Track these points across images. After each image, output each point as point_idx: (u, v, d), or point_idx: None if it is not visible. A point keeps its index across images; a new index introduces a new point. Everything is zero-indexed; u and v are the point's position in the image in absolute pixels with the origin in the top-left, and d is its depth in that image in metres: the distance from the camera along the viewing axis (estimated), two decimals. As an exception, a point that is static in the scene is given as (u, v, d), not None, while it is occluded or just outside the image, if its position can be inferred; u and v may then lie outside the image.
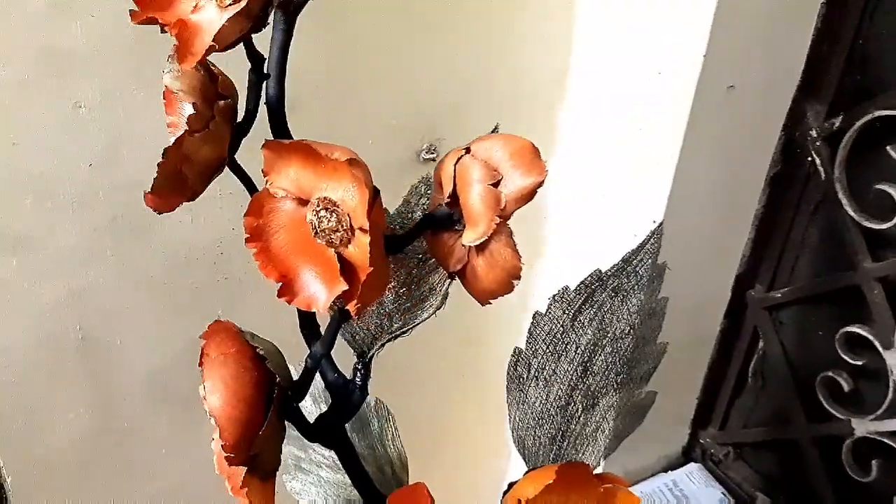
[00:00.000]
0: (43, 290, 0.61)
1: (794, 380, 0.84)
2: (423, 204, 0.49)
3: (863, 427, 0.76)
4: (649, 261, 0.54)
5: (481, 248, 0.36)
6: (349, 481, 0.55)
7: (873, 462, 0.76)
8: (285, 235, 0.37)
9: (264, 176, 0.36)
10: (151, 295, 0.64)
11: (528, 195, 0.35)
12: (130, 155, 0.60)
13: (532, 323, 0.52)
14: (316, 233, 0.35)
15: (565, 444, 0.51)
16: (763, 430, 0.89)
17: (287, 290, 0.37)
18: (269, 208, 0.36)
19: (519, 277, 0.36)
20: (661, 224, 0.55)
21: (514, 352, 0.52)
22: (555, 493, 0.46)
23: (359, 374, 0.46)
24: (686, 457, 0.99)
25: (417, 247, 0.48)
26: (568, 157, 0.82)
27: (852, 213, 0.72)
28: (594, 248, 0.83)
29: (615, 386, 0.52)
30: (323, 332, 0.43)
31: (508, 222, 0.36)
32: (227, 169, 0.40)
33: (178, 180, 0.36)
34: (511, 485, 0.48)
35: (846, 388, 0.77)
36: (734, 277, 0.86)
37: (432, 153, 0.73)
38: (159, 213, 0.37)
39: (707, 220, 0.80)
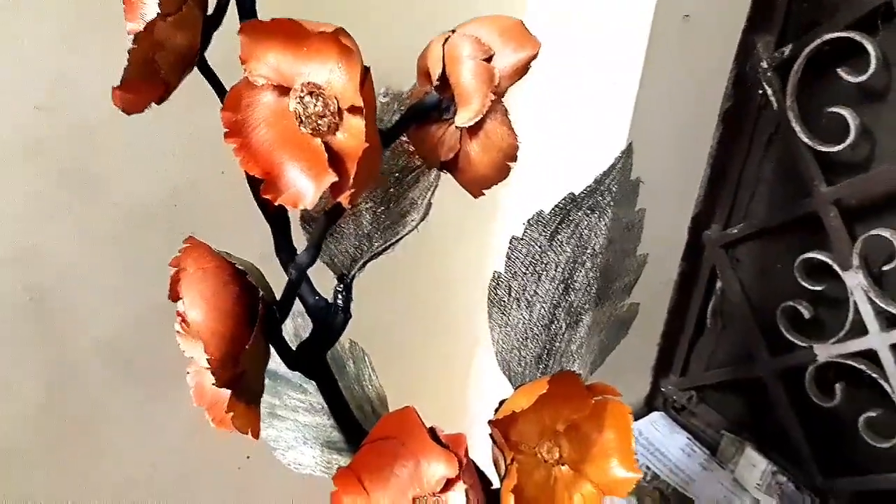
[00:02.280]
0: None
1: (754, 316, 0.85)
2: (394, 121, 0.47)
3: (825, 352, 0.77)
4: (622, 177, 0.53)
5: (475, 129, 0.34)
6: (328, 423, 0.53)
7: (837, 386, 0.78)
8: (267, 129, 0.34)
9: (242, 64, 0.34)
10: (106, 254, 0.61)
11: (522, 70, 0.34)
12: (78, 98, 0.56)
13: (509, 247, 0.51)
14: (301, 121, 0.33)
15: (551, 361, 0.50)
16: (725, 370, 0.90)
17: (271, 187, 0.34)
18: (248, 101, 0.34)
19: (515, 159, 0.35)
20: (630, 143, 0.54)
21: (494, 275, 0.51)
22: (548, 404, 0.45)
23: (340, 297, 0.44)
24: (649, 406, 1.00)
25: (393, 165, 0.47)
26: (524, 96, 0.81)
27: (806, 140, 0.73)
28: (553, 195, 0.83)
29: (597, 301, 0.51)
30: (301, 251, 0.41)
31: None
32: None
33: (149, 71, 0.33)
34: (502, 402, 0.47)
35: (807, 315, 0.78)
36: (690, 218, 0.86)
37: (386, 96, 0.71)
38: (128, 114, 0.35)
39: (665, 160, 0.80)
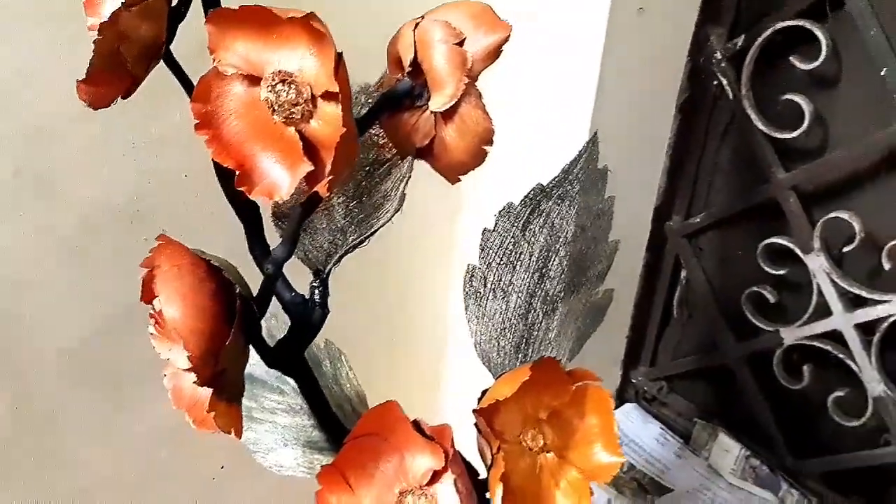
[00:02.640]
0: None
1: (718, 304, 0.86)
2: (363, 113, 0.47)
3: (791, 335, 0.79)
4: (589, 166, 0.54)
5: (450, 114, 0.34)
6: (308, 423, 0.53)
7: (804, 368, 0.79)
8: (238, 120, 0.34)
9: (211, 54, 0.33)
10: (63, 260, 0.59)
11: (494, 53, 0.34)
12: (34, 94, 0.54)
13: (482, 238, 0.51)
14: (273, 110, 0.33)
15: (530, 350, 0.51)
16: (692, 359, 0.91)
17: (245, 179, 0.34)
18: (217, 91, 0.34)
19: (492, 143, 0.35)
20: (596, 132, 0.55)
21: (468, 268, 0.51)
22: (530, 392, 0.45)
23: (317, 292, 0.44)
24: (620, 398, 1.00)
25: (363, 159, 0.46)
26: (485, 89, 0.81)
27: (762, 128, 0.74)
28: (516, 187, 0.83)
29: (572, 288, 0.51)
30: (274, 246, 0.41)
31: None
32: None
33: (115, 63, 0.32)
34: (484, 392, 0.47)
35: (772, 299, 0.80)
36: (652, 210, 0.88)
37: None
38: (95, 108, 0.34)
39: (625, 153, 0.81)
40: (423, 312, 0.91)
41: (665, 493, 0.86)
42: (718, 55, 0.76)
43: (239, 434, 0.39)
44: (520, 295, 0.51)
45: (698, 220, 0.84)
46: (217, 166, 0.40)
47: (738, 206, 0.80)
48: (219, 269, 0.38)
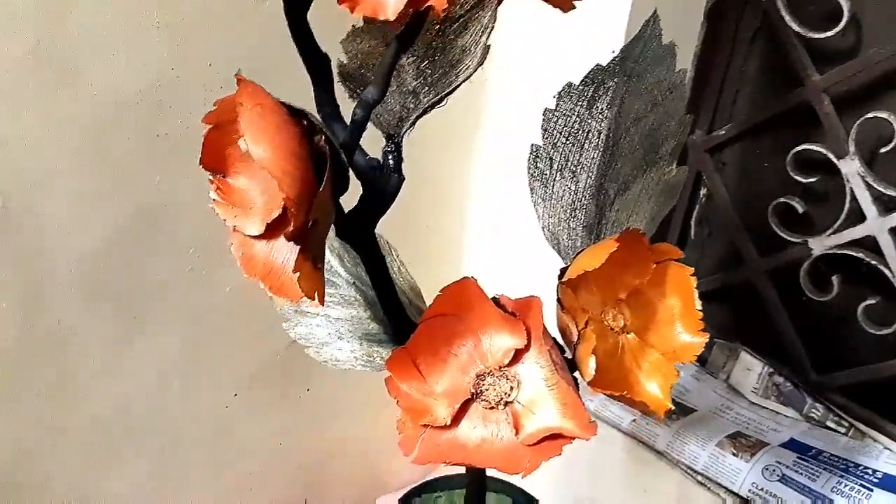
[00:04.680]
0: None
1: (742, 218, 0.84)
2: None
3: (820, 244, 0.77)
4: (653, 43, 0.51)
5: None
6: (364, 315, 0.49)
7: (833, 279, 0.78)
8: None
9: None
10: (82, 152, 0.54)
11: None
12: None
13: (544, 120, 0.48)
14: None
15: (602, 232, 0.48)
16: (713, 278, 0.90)
17: (348, -6, 0.30)
18: None
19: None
20: (656, 10, 0.52)
21: (532, 148, 0.48)
22: (613, 267, 0.42)
23: (391, 157, 0.40)
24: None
25: (433, 17, 0.43)
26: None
27: (797, 28, 0.72)
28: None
29: (645, 166, 0.49)
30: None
31: None
32: None
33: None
34: (564, 269, 0.44)
35: (800, 209, 0.78)
36: (674, 125, 0.85)
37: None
38: None
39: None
40: (444, 225, 0.87)
41: (689, 413, 0.85)
42: (750, -45, 0.74)
43: (322, 300, 0.36)
44: (590, 174, 0.48)
45: (723, 132, 0.82)
46: (288, 15, 0.36)
47: (767, 114, 0.78)
48: (302, 112, 0.34)
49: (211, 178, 0.38)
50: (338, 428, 0.85)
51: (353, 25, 0.43)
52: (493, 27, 0.40)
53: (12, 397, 0.58)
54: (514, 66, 0.80)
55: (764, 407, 0.85)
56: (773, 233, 0.81)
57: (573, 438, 0.39)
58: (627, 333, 0.45)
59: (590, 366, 0.40)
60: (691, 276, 0.46)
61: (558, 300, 0.43)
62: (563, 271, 0.44)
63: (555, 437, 0.40)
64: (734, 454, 0.77)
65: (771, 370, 0.85)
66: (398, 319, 0.45)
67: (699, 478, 0.79)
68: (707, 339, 0.46)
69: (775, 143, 0.79)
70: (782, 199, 0.79)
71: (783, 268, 0.82)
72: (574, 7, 0.33)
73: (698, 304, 0.46)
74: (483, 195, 0.90)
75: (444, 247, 0.89)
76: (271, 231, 0.37)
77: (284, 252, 0.37)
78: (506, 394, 0.41)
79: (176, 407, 0.69)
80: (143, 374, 0.66)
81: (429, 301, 0.49)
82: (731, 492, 0.77)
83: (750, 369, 0.86)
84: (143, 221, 0.60)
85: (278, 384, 0.76)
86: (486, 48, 0.40)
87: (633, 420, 0.83)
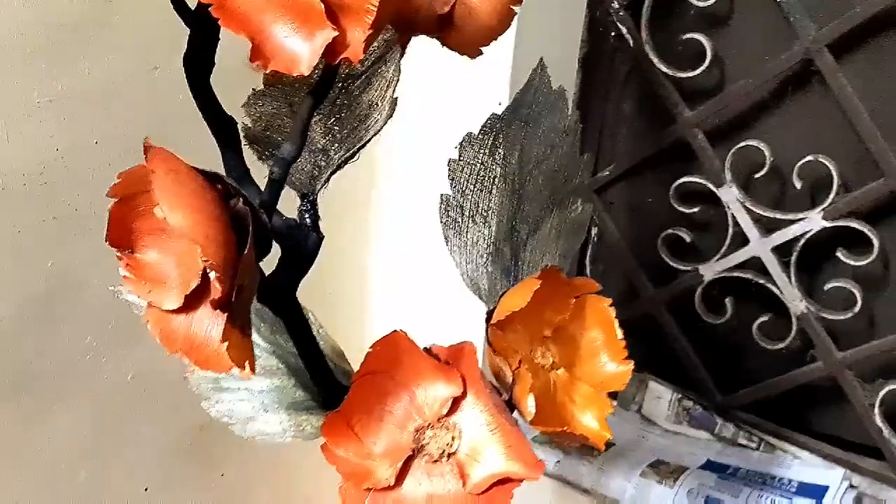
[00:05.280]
0: None
1: (633, 253, 0.87)
2: None
3: (710, 270, 0.81)
4: (544, 89, 0.53)
5: (476, -30, 0.32)
6: (289, 383, 0.48)
7: (726, 301, 0.82)
8: (244, -14, 0.30)
9: None
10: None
11: None
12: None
13: (450, 170, 0.49)
14: (288, -31, 0.29)
15: (519, 273, 0.48)
16: (612, 314, 0.92)
17: (258, 53, 0.30)
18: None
19: (520, 1, 0.33)
20: (542, 58, 0.54)
21: (442, 199, 0.48)
22: (537, 305, 0.42)
23: (307, 216, 0.39)
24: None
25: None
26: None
27: (665, 69, 0.77)
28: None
29: (552, 206, 0.50)
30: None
31: None
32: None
33: None
34: (490, 313, 0.44)
35: (688, 239, 0.82)
36: (560, 170, 0.88)
37: None
38: None
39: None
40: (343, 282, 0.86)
41: (609, 447, 0.86)
42: (616, 4, 0.78)
43: (253, 368, 0.34)
44: (501, 218, 0.48)
45: (607, 172, 0.86)
46: (190, 81, 0.36)
47: (647, 152, 0.82)
48: (216, 175, 0.33)
49: (119, 254, 0.36)
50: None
51: (252, 89, 0.42)
52: (398, 80, 0.40)
53: None
54: (404, 120, 0.81)
55: (678, 433, 0.87)
56: (665, 263, 0.84)
57: (521, 480, 0.39)
58: (557, 370, 0.45)
59: (529, 404, 0.40)
60: (609, 306, 0.47)
61: (488, 343, 0.43)
62: (489, 314, 0.44)
63: (503, 482, 0.39)
64: (658, 482, 0.79)
65: (679, 395, 0.88)
66: (326, 383, 0.44)
67: (628, 512, 0.80)
68: (632, 366, 0.47)
69: (658, 177, 0.83)
70: (670, 231, 0.83)
71: (678, 296, 0.85)
72: (482, 53, 0.34)
73: (619, 334, 0.47)
74: (383, 251, 0.89)
75: (348, 307, 0.88)
76: (190, 303, 0.35)
77: (206, 323, 0.35)
78: (448, 444, 0.40)
79: (87, 501, 0.64)
80: (47, 469, 0.61)
81: (352, 362, 0.48)
82: (660, 521, 0.78)
83: (660, 397, 0.88)
84: (37, 307, 0.56)
85: (191, 470, 0.72)
86: (394, 101, 0.40)
87: (558, 461, 0.83)
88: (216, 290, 0.31)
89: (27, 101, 0.50)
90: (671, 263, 0.84)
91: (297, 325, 0.41)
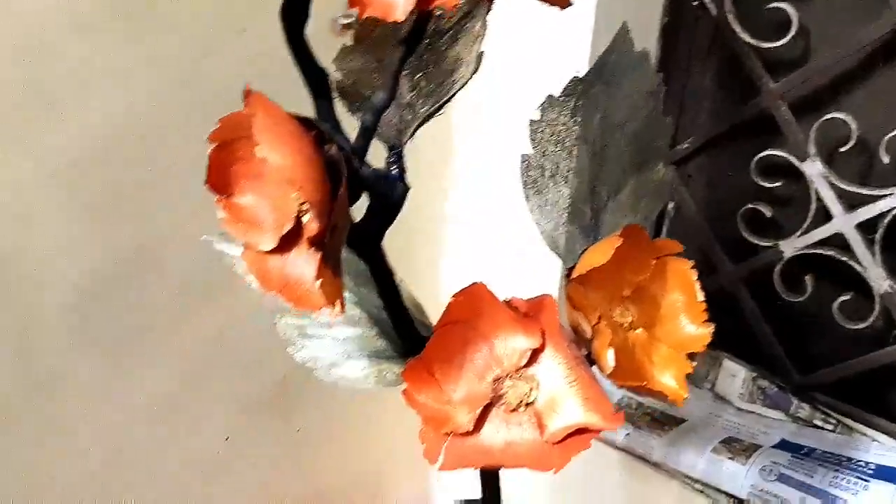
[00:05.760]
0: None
1: (712, 228, 0.86)
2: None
3: (790, 246, 0.80)
4: (627, 51, 0.52)
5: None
6: (371, 333, 0.49)
7: (805, 279, 0.80)
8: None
9: None
10: (64, 192, 0.53)
11: None
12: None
13: (531, 130, 0.49)
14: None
15: (599, 233, 0.49)
16: (687, 291, 0.91)
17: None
18: None
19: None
20: (625, 22, 0.54)
21: (522, 158, 0.49)
22: (618, 263, 0.43)
23: (395, 167, 0.40)
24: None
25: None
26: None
27: (749, 40, 0.75)
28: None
29: (633, 169, 0.50)
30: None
31: None
32: None
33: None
34: (570, 269, 0.44)
35: (768, 214, 0.80)
36: (637, 143, 0.87)
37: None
38: None
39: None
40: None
41: (680, 423, 0.85)
42: (699, -27, 0.77)
43: (343, 307, 0.35)
44: (581, 179, 0.49)
45: (686, 145, 0.85)
46: (286, 32, 0.37)
47: (727, 125, 0.81)
48: (311, 121, 0.35)
49: (217, 198, 0.38)
50: (331, 465, 0.84)
51: (342, 45, 0.44)
52: (484, 35, 0.41)
53: (2, 452, 0.56)
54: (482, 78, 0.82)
55: (751, 412, 0.86)
56: (744, 239, 0.83)
57: (599, 431, 0.40)
58: (635, 329, 0.45)
59: (609, 358, 0.41)
60: (691, 268, 0.47)
61: (568, 298, 0.43)
62: (569, 270, 0.44)
63: (581, 432, 0.40)
64: (730, 458, 0.78)
65: (755, 374, 0.86)
66: (407, 332, 0.45)
67: (698, 485, 0.79)
68: (712, 329, 0.47)
69: (738, 151, 0.82)
70: (750, 206, 0.81)
71: (756, 273, 0.84)
72: (571, 5, 0.35)
73: (700, 296, 0.47)
74: (459, 206, 0.90)
75: (423, 262, 0.90)
76: (284, 245, 0.37)
77: (299, 264, 0.37)
78: (525, 395, 0.41)
79: (171, 450, 0.67)
80: (137, 418, 0.64)
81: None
82: (730, 495, 0.77)
83: (734, 375, 0.87)
84: (131, 261, 0.59)
85: (270, 423, 0.75)
86: (480, 56, 0.41)
87: (627, 434, 0.83)
88: (312, 228, 0.32)
89: (122, 60, 0.52)
90: (750, 239, 0.82)
91: (381, 274, 0.42)
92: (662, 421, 0.85)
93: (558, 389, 0.41)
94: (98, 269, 0.58)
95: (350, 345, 0.47)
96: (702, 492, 0.79)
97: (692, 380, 0.91)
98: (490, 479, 0.51)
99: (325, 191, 0.33)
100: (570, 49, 0.74)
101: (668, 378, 0.44)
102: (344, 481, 0.87)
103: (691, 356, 0.46)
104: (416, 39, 0.34)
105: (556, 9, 0.35)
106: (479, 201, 0.89)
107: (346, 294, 0.50)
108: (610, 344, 0.41)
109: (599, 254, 0.42)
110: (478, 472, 0.50)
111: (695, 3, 0.79)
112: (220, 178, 0.38)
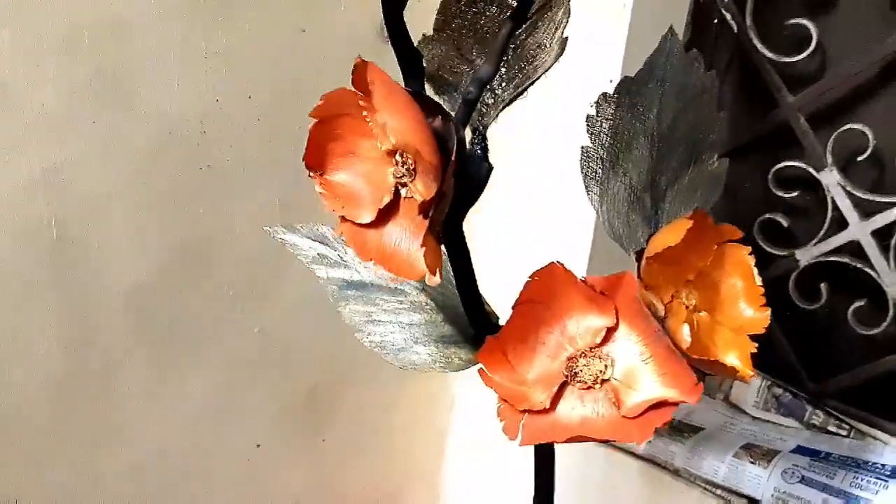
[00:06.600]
0: (17, 162, 0.47)
1: (727, 239, 0.88)
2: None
3: (807, 255, 0.82)
4: (676, 52, 0.54)
5: None
6: (438, 318, 0.50)
7: (821, 286, 0.82)
8: None
9: None
10: (131, 182, 0.54)
11: None
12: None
13: (588, 124, 0.51)
14: None
15: (660, 221, 0.50)
16: (700, 301, 0.93)
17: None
18: None
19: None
20: (671, 25, 0.56)
21: (582, 150, 0.50)
22: (686, 246, 0.44)
23: (479, 148, 0.42)
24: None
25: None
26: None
27: (769, 54, 0.78)
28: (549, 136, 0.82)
29: (690, 161, 0.51)
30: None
31: None
32: None
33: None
34: (640, 252, 0.46)
35: (785, 224, 0.83)
36: (655, 155, 0.90)
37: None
38: None
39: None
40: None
41: (698, 431, 0.86)
42: (721, -10, 0.80)
43: (442, 276, 0.36)
44: (641, 171, 0.50)
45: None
46: (385, 12, 0.38)
47: (746, 137, 0.84)
48: (421, 93, 0.36)
49: (312, 174, 0.39)
50: (353, 477, 0.83)
51: (423, 34, 0.45)
52: (566, 22, 0.43)
53: (57, 440, 0.55)
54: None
55: (766, 420, 0.88)
56: (760, 248, 0.85)
57: (678, 404, 0.41)
58: (699, 312, 0.47)
59: (685, 333, 0.42)
60: (749, 254, 0.48)
61: (639, 278, 0.44)
62: (638, 254, 0.46)
63: (660, 405, 0.41)
64: (752, 462, 0.79)
65: (769, 383, 0.88)
66: (478, 316, 0.46)
67: (719, 491, 0.80)
68: (769, 312, 0.48)
69: (755, 162, 0.84)
70: (767, 216, 0.84)
71: (772, 281, 0.86)
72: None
73: (759, 281, 0.48)
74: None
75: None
76: (381, 218, 0.38)
77: (395, 236, 0.38)
78: (601, 372, 0.42)
79: (208, 452, 0.66)
80: (180, 418, 0.63)
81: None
82: (752, 499, 0.78)
83: (749, 384, 0.89)
84: (186, 255, 0.59)
85: (298, 432, 0.75)
86: (564, 41, 0.43)
87: (649, 441, 0.84)
88: (426, 191, 0.33)
89: (196, 52, 0.53)
90: (767, 249, 0.84)
91: (460, 255, 0.43)
92: (681, 429, 0.87)
93: (634, 366, 0.42)
94: (159, 264, 0.58)
95: (417, 330, 0.48)
96: (723, 497, 0.80)
97: (706, 390, 0.93)
98: (545, 464, 0.52)
99: (437, 156, 0.34)
100: (603, 65, 0.76)
101: (733, 358, 0.45)
102: (365, 494, 0.87)
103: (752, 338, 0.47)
104: (524, 13, 0.36)
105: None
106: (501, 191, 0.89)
107: (412, 281, 0.51)
108: (685, 320, 0.42)
109: (672, 234, 0.43)
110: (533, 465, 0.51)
111: (715, 21, 0.82)
112: (317, 155, 0.39)
